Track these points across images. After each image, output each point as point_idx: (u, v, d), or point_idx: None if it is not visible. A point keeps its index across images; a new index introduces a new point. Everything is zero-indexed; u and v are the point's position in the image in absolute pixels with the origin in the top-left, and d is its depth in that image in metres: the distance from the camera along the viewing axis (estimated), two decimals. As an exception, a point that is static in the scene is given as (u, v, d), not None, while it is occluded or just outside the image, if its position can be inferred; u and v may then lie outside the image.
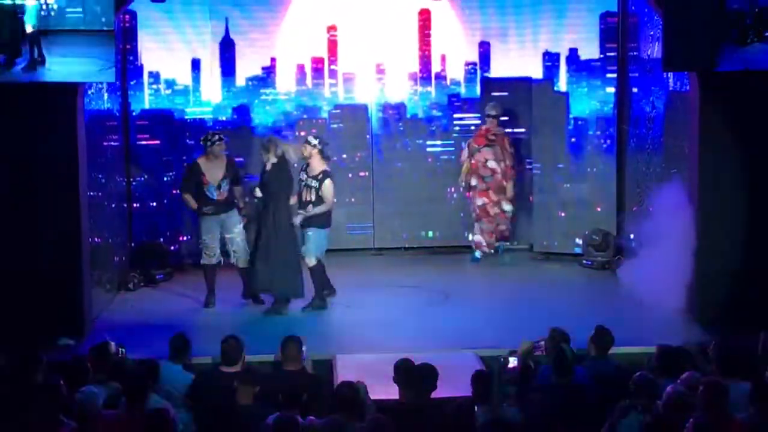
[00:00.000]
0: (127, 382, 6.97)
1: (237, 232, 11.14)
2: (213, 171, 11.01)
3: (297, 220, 10.86)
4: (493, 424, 6.09)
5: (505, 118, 13.10)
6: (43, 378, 7.05)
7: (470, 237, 13.01)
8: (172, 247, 12.77)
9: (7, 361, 7.60)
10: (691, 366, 7.63)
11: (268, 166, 10.84)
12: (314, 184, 10.90)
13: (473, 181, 12.77)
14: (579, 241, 12.97)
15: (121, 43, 12.04)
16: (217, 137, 11.03)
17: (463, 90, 13.42)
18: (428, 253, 13.31)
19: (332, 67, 13.31)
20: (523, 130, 13.38)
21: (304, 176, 10.99)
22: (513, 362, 7.47)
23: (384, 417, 6.38)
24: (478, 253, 12.85)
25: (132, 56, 12.57)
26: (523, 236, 13.50)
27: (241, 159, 12.89)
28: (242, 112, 13.15)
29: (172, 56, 12.81)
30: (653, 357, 7.83)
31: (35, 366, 7.33)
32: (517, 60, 13.30)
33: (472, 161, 12.72)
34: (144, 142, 12.76)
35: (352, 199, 13.45)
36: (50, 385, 6.71)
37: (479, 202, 12.76)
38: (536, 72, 13.22)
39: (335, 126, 13.35)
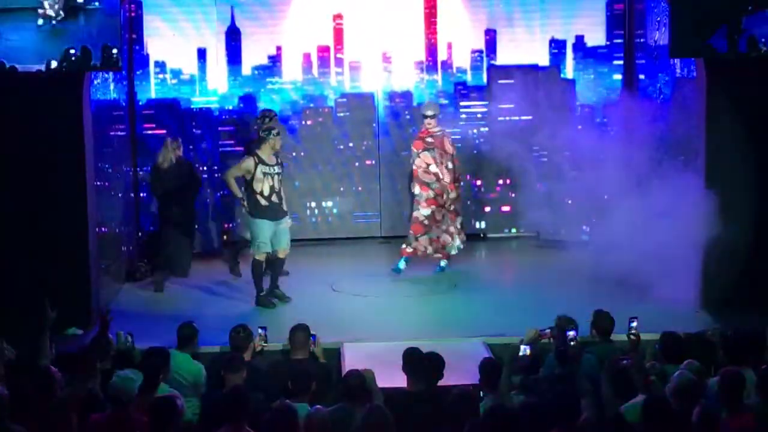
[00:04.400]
0: (141, 371, 6.99)
1: None
2: None
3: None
4: (495, 411, 6.08)
5: (511, 105, 13.07)
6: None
7: (407, 249, 11.58)
8: (180, 237, 12.75)
9: (17, 350, 7.63)
10: (696, 353, 7.64)
11: (166, 165, 11.33)
12: None
13: (416, 190, 11.55)
14: (586, 228, 12.95)
15: (127, 32, 12.02)
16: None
17: (469, 78, 13.39)
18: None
19: (338, 55, 13.30)
20: (529, 117, 13.34)
21: None
22: (524, 351, 7.46)
23: (381, 406, 6.38)
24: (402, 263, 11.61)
25: (138, 46, 12.56)
26: (529, 224, 13.47)
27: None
28: (248, 101, 13.14)
29: (178, 45, 12.80)
30: (658, 344, 7.84)
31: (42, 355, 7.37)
32: (523, 47, 13.27)
33: (413, 167, 11.59)
34: (150, 132, 12.75)
35: (359, 188, 13.45)
36: (45, 374, 6.74)
37: (425, 212, 11.48)
38: (543, 59, 13.20)
39: (341, 115, 13.33)
